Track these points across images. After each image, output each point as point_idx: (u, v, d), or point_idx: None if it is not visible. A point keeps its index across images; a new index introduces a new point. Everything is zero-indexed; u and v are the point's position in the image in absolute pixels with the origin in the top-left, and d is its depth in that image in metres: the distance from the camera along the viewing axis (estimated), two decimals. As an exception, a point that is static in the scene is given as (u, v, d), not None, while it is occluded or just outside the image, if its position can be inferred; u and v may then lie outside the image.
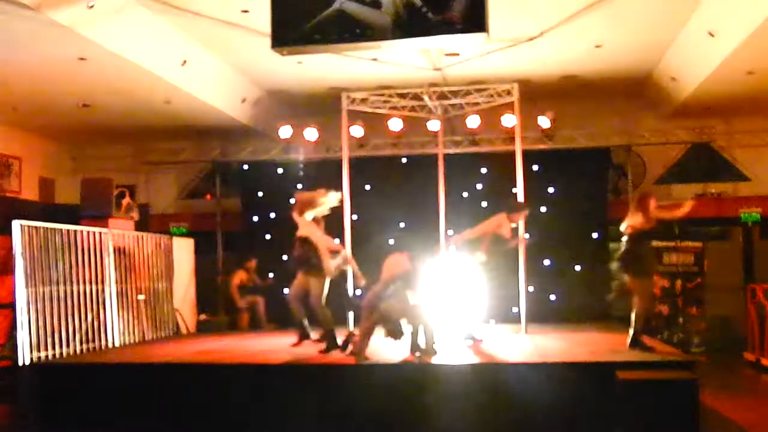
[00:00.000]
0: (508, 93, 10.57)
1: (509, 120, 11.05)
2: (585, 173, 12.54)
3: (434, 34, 7.56)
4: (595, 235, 12.51)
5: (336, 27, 7.60)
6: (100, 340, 9.39)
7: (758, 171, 12.97)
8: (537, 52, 10.48)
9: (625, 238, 8.18)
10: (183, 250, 11.88)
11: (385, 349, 8.43)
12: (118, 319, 9.78)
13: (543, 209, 12.14)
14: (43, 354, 8.34)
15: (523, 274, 10.07)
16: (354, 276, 9.34)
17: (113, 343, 9.57)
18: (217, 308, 12.95)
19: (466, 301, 9.07)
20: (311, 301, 8.51)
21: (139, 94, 11.09)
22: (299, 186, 12.90)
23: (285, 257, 12.74)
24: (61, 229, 8.94)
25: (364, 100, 11.10)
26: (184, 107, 11.86)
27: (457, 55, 10.52)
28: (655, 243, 12.65)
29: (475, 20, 7.32)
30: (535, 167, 12.07)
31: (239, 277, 12.73)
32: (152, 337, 10.51)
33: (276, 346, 9.15)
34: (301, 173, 13.21)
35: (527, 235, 10.00)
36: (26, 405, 7.95)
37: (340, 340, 8.41)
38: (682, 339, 11.26)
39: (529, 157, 10.93)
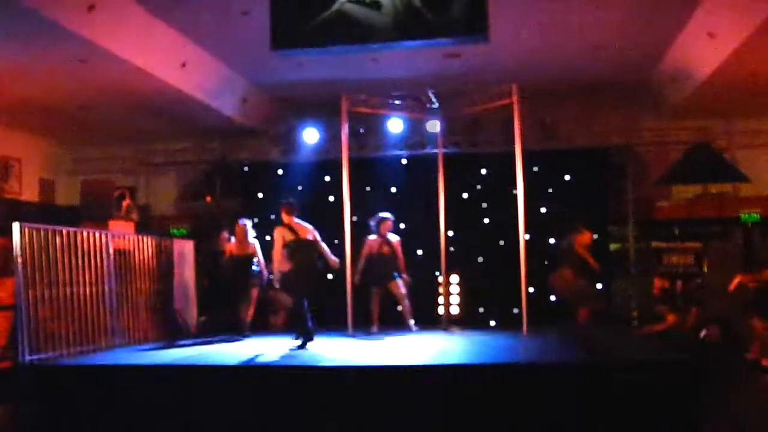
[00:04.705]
0: (508, 93, 10.57)
1: (508, 120, 11.03)
2: (585, 173, 12.54)
3: (434, 36, 7.57)
4: (594, 236, 12.49)
5: (336, 28, 7.63)
6: (100, 341, 9.39)
7: (758, 171, 12.95)
8: (537, 52, 10.48)
9: None
10: (183, 251, 11.86)
11: (383, 349, 8.45)
12: (118, 321, 9.78)
13: (543, 209, 12.15)
14: (43, 355, 8.34)
15: (523, 274, 10.07)
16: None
17: (113, 344, 9.57)
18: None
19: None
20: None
21: (139, 95, 11.09)
22: (299, 187, 12.90)
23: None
24: (62, 231, 8.92)
25: (364, 101, 11.10)
26: (184, 107, 11.85)
27: (458, 55, 10.52)
28: (655, 243, 12.77)
29: (475, 21, 7.34)
30: (535, 167, 12.06)
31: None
32: (152, 338, 10.50)
33: (275, 348, 9.15)
34: (302, 174, 13.19)
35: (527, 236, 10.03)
36: (26, 405, 7.95)
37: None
38: (682, 339, 11.25)
39: (528, 157, 10.91)
